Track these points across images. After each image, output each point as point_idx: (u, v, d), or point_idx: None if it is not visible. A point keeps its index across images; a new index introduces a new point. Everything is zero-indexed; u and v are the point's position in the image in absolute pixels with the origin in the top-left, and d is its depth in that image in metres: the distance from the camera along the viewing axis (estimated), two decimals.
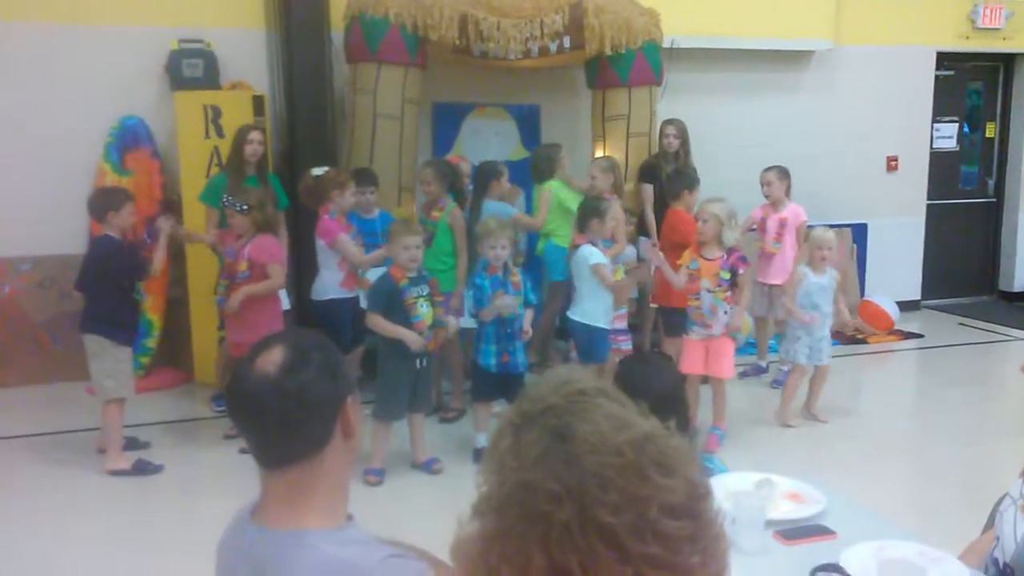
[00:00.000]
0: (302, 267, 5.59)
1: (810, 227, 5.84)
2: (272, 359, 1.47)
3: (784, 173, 6.20)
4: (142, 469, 4.57)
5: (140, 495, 4.43)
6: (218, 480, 4.58)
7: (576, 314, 5.05)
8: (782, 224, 6.12)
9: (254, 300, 4.69)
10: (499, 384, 4.66)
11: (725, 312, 4.84)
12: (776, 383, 6.04)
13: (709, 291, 4.83)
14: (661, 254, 5.14)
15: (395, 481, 4.47)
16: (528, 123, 7.17)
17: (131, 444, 4.79)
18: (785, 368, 5.87)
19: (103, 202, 4.57)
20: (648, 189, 6.39)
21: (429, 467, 4.57)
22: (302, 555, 1.45)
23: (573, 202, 5.70)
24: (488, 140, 7.06)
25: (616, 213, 5.28)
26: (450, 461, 4.68)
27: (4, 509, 4.20)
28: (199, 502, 4.28)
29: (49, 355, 6.04)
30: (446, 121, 6.98)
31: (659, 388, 2.27)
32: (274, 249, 4.84)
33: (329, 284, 5.10)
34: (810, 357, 5.28)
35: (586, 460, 0.86)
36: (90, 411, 5.46)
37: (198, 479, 4.65)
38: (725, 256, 4.85)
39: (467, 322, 5.25)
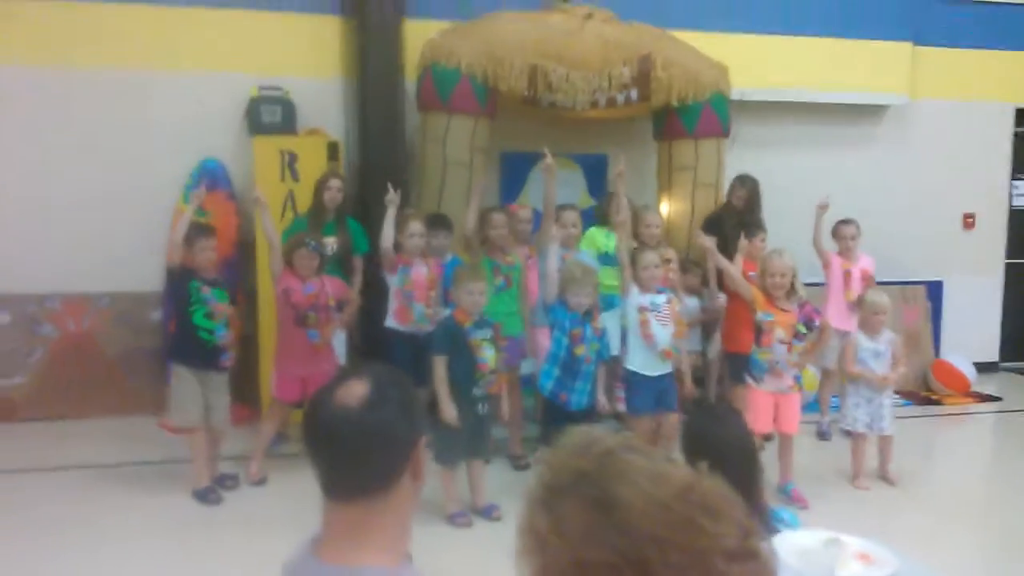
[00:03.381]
0: (373, 312, 5.65)
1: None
2: (353, 393, 1.48)
3: (859, 227, 6.20)
4: (202, 496, 4.70)
5: (204, 525, 4.50)
6: (274, 516, 4.64)
7: (626, 361, 5.01)
8: (864, 275, 6.13)
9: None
10: (569, 426, 4.62)
11: (796, 375, 4.83)
12: (822, 435, 6.07)
13: (782, 343, 4.75)
14: (712, 246, 5.22)
15: (439, 528, 4.44)
16: (595, 173, 7.20)
17: (224, 480, 4.93)
18: (826, 420, 6.04)
19: (185, 236, 4.76)
20: (711, 241, 6.33)
21: (489, 514, 4.54)
22: None
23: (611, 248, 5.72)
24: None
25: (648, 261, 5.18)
26: (514, 508, 4.63)
27: (76, 536, 4.30)
28: (253, 537, 4.33)
29: (123, 389, 6.22)
30: (514, 170, 7.05)
31: (728, 442, 2.22)
32: (343, 289, 5.18)
33: (387, 312, 5.26)
34: (870, 426, 5.13)
35: (637, 525, 0.84)
36: (163, 444, 5.62)
37: (256, 514, 4.71)
38: (798, 308, 4.79)
39: (526, 367, 5.28)
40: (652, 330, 4.75)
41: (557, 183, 7.10)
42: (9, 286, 6.08)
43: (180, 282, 4.70)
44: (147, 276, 6.20)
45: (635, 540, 0.83)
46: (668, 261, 5.32)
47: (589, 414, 4.74)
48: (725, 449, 2.01)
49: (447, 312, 5.24)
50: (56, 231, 6.13)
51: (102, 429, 5.95)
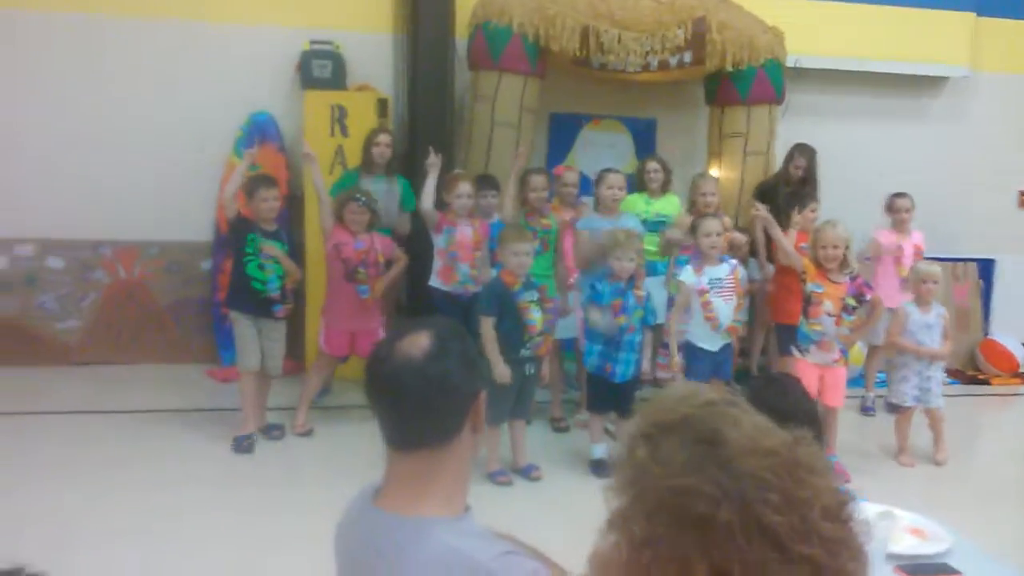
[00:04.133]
0: (419, 271, 5.67)
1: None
2: (417, 344, 1.50)
3: (913, 201, 6.08)
4: (238, 443, 4.81)
5: (248, 475, 4.60)
6: (318, 466, 4.76)
7: (689, 333, 4.98)
8: (917, 251, 6.02)
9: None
10: (612, 395, 4.65)
11: (842, 348, 4.77)
12: (866, 410, 6.02)
13: (830, 315, 4.69)
14: (769, 216, 5.11)
15: (479, 486, 4.47)
16: (644, 137, 7.12)
17: (271, 430, 5.02)
18: (871, 395, 6.00)
19: (246, 187, 4.83)
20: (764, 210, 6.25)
21: (528, 473, 4.59)
22: (421, 542, 1.47)
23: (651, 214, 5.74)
24: (602, 152, 7.04)
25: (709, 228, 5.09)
26: (552, 469, 4.70)
27: (127, 478, 4.42)
28: (297, 487, 4.44)
29: (172, 337, 6.35)
30: (562, 132, 7.01)
31: (794, 409, 2.18)
32: (391, 246, 5.19)
33: (432, 271, 5.29)
34: (919, 399, 5.06)
35: (742, 462, 0.85)
36: (208, 391, 5.74)
37: (300, 464, 4.81)
38: (850, 281, 4.72)
39: (566, 331, 5.28)
40: (715, 311, 4.70)
41: (605, 145, 7.11)
42: (63, 233, 6.19)
43: (239, 233, 4.77)
44: (197, 227, 6.28)
45: (736, 476, 0.84)
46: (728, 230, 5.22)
47: (633, 384, 4.74)
48: (791, 419, 1.99)
49: (493, 273, 5.26)
50: (108, 181, 6.21)
51: (152, 375, 6.09)
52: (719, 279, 4.71)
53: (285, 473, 4.67)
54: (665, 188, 5.96)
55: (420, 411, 1.50)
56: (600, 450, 4.76)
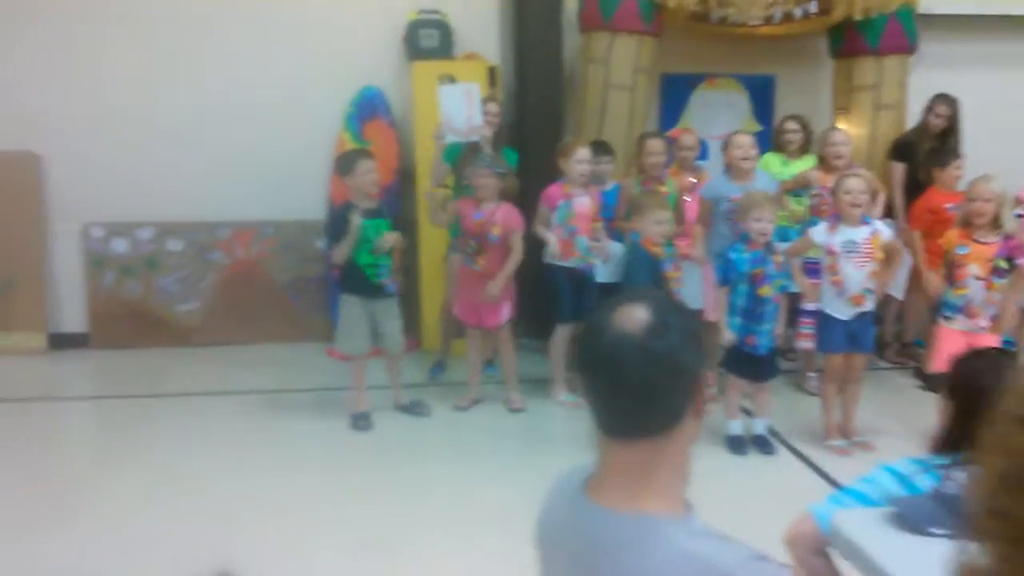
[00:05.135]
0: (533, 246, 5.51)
1: None
2: (634, 317, 1.31)
3: None
4: (355, 421, 4.77)
5: (362, 452, 4.54)
6: (423, 445, 4.70)
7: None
8: None
9: (497, 266, 4.82)
10: (751, 365, 4.43)
11: (993, 314, 4.38)
12: None
13: (978, 279, 4.33)
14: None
15: None
16: (762, 95, 6.77)
17: (414, 407, 4.99)
18: None
19: (339, 166, 4.73)
20: (900, 169, 5.86)
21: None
22: (654, 544, 1.31)
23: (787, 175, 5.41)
24: (718, 113, 6.74)
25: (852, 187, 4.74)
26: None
27: (242, 460, 4.40)
28: (401, 465, 4.38)
29: (291, 316, 6.37)
30: (675, 93, 6.72)
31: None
32: (519, 218, 4.89)
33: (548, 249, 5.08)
34: None
35: None
36: (327, 371, 5.72)
37: (402, 443, 4.73)
38: (1002, 241, 4.34)
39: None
40: (842, 274, 4.36)
41: (721, 106, 6.78)
42: (181, 215, 6.26)
43: (340, 223, 4.66)
44: (310, 205, 6.26)
45: None
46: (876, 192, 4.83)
47: (774, 354, 4.49)
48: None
49: (612, 245, 5.07)
50: (222, 162, 6.24)
51: (272, 355, 6.13)
52: (854, 242, 4.36)
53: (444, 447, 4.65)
54: (805, 149, 5.63)
55: (644, 394, 1.32)
56: (737, 426, 4.53)
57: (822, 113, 6.44)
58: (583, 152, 4.96)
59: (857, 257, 4.33)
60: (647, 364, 1.30)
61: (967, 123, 6.07)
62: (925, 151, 5.66)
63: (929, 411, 2.41)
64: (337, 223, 4.69)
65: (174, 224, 6.28)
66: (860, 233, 4.35)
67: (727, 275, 4.39)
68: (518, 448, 4.66)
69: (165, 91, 6.20)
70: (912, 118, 6.07)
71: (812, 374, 5.44)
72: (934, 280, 4.75)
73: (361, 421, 4.78)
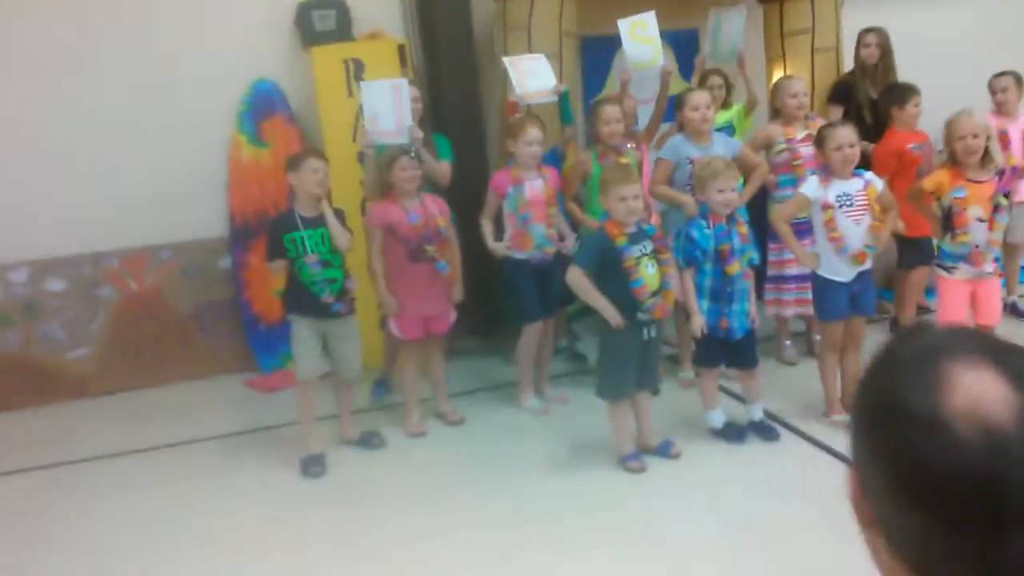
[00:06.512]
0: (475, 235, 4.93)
1: None
2: (991, 398, 0.74)
3: (1020, 80, 5.32)
4: (305, 466, 4.14)
5: (321, 507, 3.89)
6: (387, 485, 4.05)
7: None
8: None
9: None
10: (723, 348, 3.98)
11: (996, 255, 4.07)
12: (1019, 313, 5.45)
13: (982, 220, 3.98)
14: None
15: (610, 474, 3.83)
16: (687, 51, 6.32)
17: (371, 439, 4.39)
18: (1016, 296, 5.43)
19: (287, 163, 4.12)
20: (838, 113, 5.53)
21: (666, 452, 3.91)
22: None
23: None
24: (644, 75, 6.23)
25: (841, 139, 4.35)
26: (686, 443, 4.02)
27: (185, 532, 3.71)
28: (369, 515, 3.73)
29: (200, 349, 5.59)
30: (596, 58, 6.21)
31: None
32: (445, 204, 4.43)
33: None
34: None
35: None
36: (253, 408, 5.03)
37: (357, 481, 4.09)
38: (997, 176, 4.00)
39: None
40: (840, 230, 3.94)
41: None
42: (59, 248, 5.38)
43: (276, 238, 4.01)
44: (209, 221, 5.50)
45: None
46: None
47: (751, 336, 4.03)
48: None
49: (574, 234, 4.58)
50: (102, 185, 5.38)
51: (184, 397, 5.34)
52: (847, 195, 3.94)
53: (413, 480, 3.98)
54: (726, 105, 5.35)
55: None
56: (718, 416, 4.09)
57: (755, 62, 6.02)
58: (534, 132, 4.42)
59: (852, 211, 3.92)
60: None
61: (904, 60, 5.78)
62: (864, 90, 5.36)
63: None
64: (274, 234, 4.03)
65: (52, 260, 5.39)
66: (853, 185, 3.94)
67: (691, 255, 3.90)
68: (493, 473, 4.03)
69: (33, 111, 5.30)
70: (849, 64, 5.74)
71: (788, 342, 5.09)
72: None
73: (313, 467, 4.11)
